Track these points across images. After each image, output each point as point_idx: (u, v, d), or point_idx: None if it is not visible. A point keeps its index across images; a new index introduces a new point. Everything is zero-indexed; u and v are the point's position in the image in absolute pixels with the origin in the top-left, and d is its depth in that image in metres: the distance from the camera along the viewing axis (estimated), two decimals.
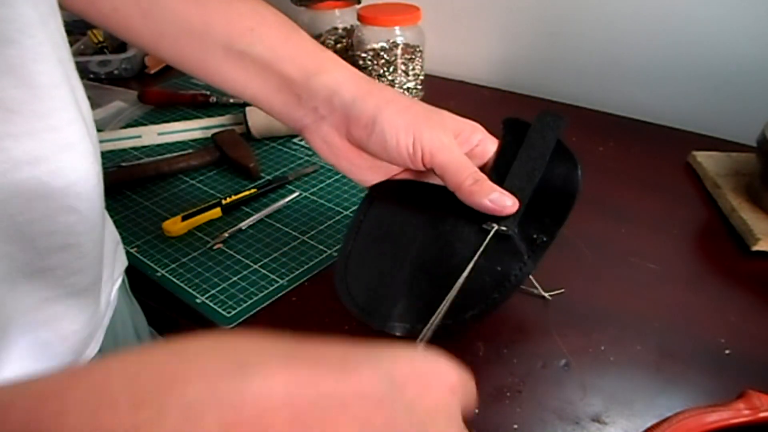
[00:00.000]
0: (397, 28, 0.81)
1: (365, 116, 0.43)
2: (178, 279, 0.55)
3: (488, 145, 0.47)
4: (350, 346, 0.23)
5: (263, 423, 0.19)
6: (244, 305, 0.52)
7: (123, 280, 0.53)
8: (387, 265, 0.44)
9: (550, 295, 0.49)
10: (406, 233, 0.46)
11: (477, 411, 0.41)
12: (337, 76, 0.45)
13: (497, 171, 0.46)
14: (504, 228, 0.43)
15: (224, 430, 0.18)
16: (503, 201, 0.42)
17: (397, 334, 0.42)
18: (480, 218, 0.43)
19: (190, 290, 0.54)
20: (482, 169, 0.46)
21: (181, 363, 0.20)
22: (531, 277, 0.46)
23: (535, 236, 0.43)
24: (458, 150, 0.44)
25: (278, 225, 0.62)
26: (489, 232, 0.43)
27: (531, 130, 0.47)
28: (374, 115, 0.43)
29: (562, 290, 0.50)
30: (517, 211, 0.43)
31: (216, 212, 0.63)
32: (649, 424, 0.39)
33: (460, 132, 0.46)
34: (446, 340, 0.37)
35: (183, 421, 0.18)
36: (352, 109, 0.44)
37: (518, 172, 0.45)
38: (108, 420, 0.18)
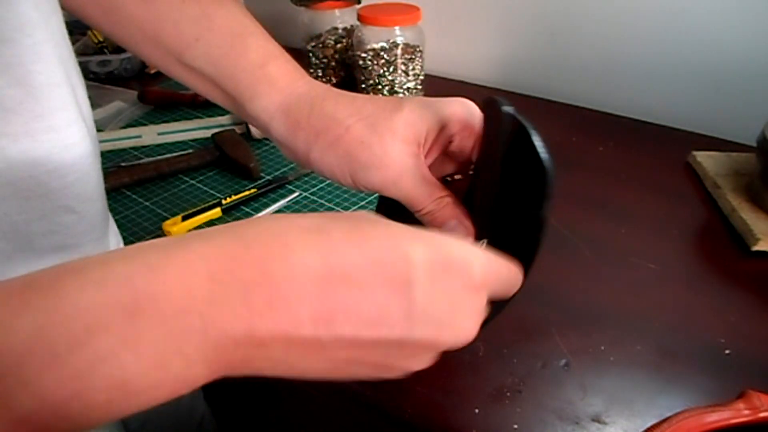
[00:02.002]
0: (397, 28, 0.81)
1: (300, 155, 0.40)
2: None
3: (468, 137, 0.39)
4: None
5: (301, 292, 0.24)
6: None
7: None
8: None
9: None
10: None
11: (477, 411, 0.41)
12: (267, 104, 0.40)
13: (477, 172, 0.39)
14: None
15: (268, 302, 0.23)
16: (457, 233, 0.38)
17: None
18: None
19: None
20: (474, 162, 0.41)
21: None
22: None
23: None
24: (406, 179, 0.37)
25: None
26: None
27: (485, 125, 0.37)
28: (306, 153, 0.39)
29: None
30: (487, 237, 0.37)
31: (216, 212, 0.63)
32: (649, 424, 0.39)
33: (425, 137, 0.38)
34: None
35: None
36: (286, 146, 0.41)
37: (480, 184, 0.38)
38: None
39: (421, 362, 0.28)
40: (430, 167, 0.39)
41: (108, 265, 0.22)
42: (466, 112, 0.39)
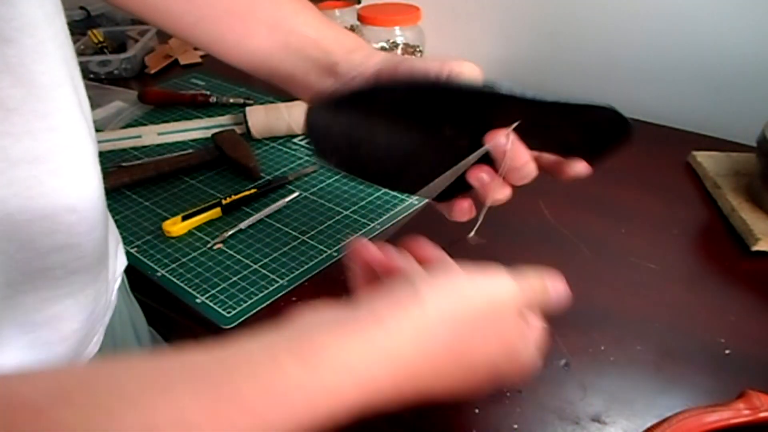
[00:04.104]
0: (397, 28, 0.81)
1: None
2: (178, 279, 0.55)
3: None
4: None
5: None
6: (244, 305, 0.52)
7: (122, 280, 0.53)
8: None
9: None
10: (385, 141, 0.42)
11: (477, 411, 0.41)
12: (371, 52, 0.46)
13: None
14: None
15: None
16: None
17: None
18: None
19: (190, 290, 0.54)
20: None
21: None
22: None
23: None
24: None
25: (278, 225, 0.62)
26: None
27: None
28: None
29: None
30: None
31: (216, 212, 0.63)
32: (649, 424, 0.39)
33: None
34: None
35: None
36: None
37: None
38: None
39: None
40: None
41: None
42: None
